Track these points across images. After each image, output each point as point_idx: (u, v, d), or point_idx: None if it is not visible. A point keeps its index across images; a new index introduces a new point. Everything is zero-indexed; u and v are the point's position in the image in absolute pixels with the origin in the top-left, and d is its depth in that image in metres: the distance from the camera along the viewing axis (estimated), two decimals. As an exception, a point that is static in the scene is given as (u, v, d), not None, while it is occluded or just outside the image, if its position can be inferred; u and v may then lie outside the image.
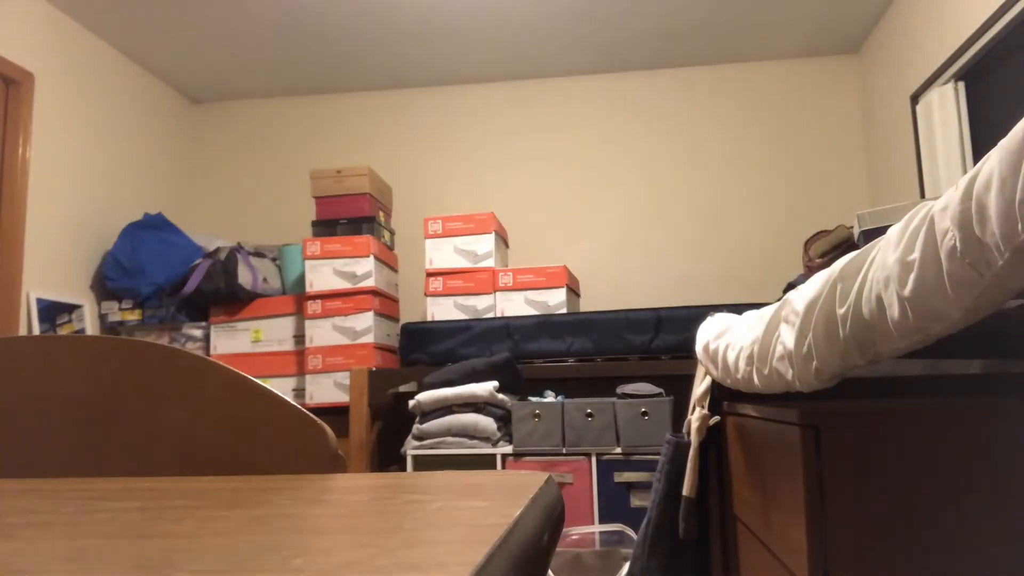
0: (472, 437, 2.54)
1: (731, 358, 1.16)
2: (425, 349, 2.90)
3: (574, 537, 2.32)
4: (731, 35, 3.59)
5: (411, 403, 2.61)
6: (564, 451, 2.48)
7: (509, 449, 2.53)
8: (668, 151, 3.89)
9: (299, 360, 3.16)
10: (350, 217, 3.25)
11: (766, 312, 1.03)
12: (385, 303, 3.24)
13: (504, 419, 2.59)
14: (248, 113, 4.22)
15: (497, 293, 3.11)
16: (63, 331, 3.11)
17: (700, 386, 1.49)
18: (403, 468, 2.67)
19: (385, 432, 2.96)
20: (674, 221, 3.84)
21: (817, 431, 0.88)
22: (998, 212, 0.50)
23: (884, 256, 0.66)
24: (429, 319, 3.12)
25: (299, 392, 3.11)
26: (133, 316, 3.28)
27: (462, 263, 3.19)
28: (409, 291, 3.87)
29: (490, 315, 3.09)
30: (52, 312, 3.07)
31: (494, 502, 0.37)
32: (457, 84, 4.07)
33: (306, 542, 0.30)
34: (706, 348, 1.39)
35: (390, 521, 0.34)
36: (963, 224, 0.54)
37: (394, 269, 3.42)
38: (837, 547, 0.85)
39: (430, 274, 3.19)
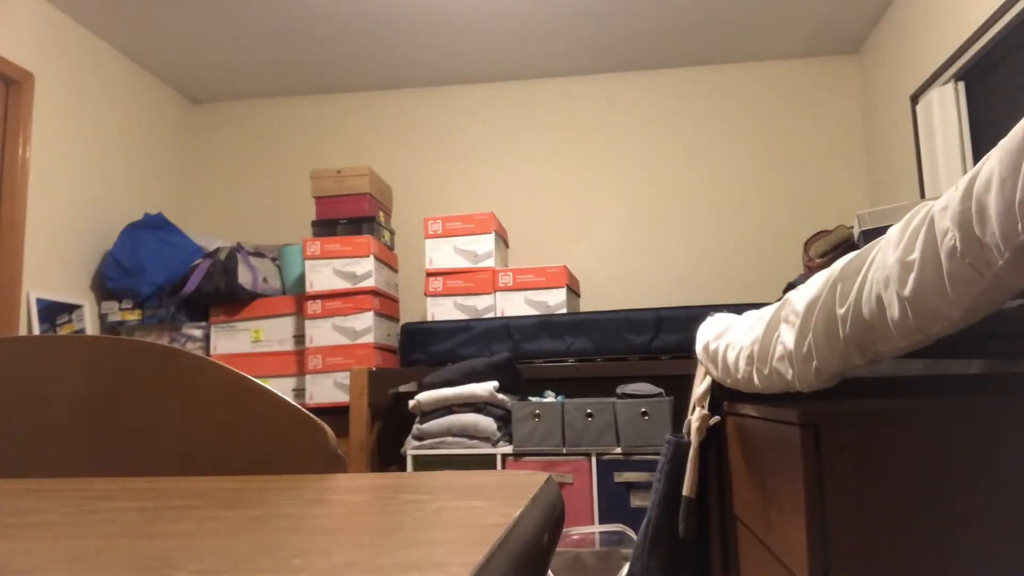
0: (472, 437, 2.54)
1: (731, 358, 1.16)
2: (425, 349, 2.90)
3: (574, 537, 2.32)
4: (731, 35, 3.59)
5: (411, 403, 2.61)
6: (564, 451, 2.48)
7: (509, 449, 2.53)
8: (668, 151, 3.89)
9: (299, 360, 3.16)
10: (350, 217, 3.25)
11: (766, 312, 1.03)
12: (385, 303, 3.24)
13: (504, 419, 2.59)
14: (248, 113, 4.22)
15: (497, 293, 3.11)
16: (63, 331, 3.10)
17: (700, 386, 1.49)
18: (403, 468, 2.67)
19: (385, 432, 2.96)
20: (674, 221, 3.84)
21: (817, 431, 0.88)
22: (998, 212, 0.50)
23: (884, 256, 0.66)
24: (429, 319, 3.12)
25: (299, 392, 3.11)
26: (133, 316, 3.28)
27: (462, 263, 3.19)
28: (409, 291, 3.87)
29: (490, 315, 3.09)
30: (52, 312, 3.07)
31: (494, 502, 0.37)
32: (457, 84, 4.07)
33: (306, 542, 0.30)
34: (706, 348, 1.39)
35: (390, 521, 0.34)
36: (963, 224, 0.54)
37: (394, 269, 3.42)
38: (837, 547, 0.85)
39: (430, 274, 3.19)
